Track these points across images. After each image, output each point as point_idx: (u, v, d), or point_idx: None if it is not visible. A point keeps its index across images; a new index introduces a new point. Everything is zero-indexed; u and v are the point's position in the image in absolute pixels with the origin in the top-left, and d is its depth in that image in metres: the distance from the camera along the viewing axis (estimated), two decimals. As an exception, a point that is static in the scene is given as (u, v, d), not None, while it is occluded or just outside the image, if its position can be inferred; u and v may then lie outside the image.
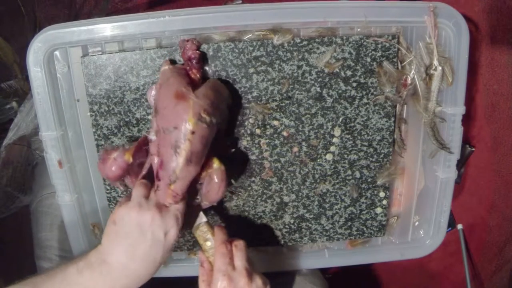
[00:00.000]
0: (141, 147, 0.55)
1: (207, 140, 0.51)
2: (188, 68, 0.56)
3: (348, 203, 0.68)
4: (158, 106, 0.52)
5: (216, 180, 0.54)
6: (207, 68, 0.59)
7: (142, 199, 0.50)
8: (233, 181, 0.65)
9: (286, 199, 0.67)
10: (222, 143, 0.60)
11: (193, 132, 0.49)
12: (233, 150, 0.63)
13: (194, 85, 0.54)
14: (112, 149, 0.55)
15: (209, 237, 0.54)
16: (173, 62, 0.58)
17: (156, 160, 0.52)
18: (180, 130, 0.49)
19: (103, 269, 0.47)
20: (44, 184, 0.75)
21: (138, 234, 0.47)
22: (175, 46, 0.58)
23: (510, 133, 0.80)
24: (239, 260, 0.51)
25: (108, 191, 0.65)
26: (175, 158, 0.50)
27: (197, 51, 0.56)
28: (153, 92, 0.56)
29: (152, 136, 0.53)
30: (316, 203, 0.67)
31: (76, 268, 0.47)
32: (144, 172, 0.56)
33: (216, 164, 0.54)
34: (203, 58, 0.58)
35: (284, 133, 0.63)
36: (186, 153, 0.49)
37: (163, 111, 0.50)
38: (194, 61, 0.56)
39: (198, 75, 0.56)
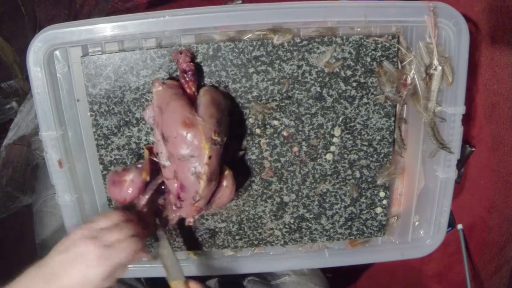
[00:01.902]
0: (151, 166, 0.56)
1: (220, 156, 0.53)
2: (183, 81, 0.56)
3: (348, 203, 0.68)
4: (166, 134, 0.52)
5: (227, 185, 0.56)
6: (203, 73, 0.60)
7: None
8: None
9: (286, 199, 0.67)
10: (229, 148, 0.61)
11: (210, 157, 0.51)
12: (242, 152, 0.64)
13: (191, 100, 0.54)
14: (123, 171, 0.55)
15: None
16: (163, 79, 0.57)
17: (175, 184, 0.53)
18: (197, 157, 0.51)
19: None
20: (49, 185, 0.75)
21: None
22: (175, 46, 0.58)
23: (510, 133, 0.80)
24: None
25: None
26: (197, 182, 0.51)
27: (191, 63, 0.56)
28: (151, 113, 0.56)
29: (165, 162, 0.54)
30: (316, 203, 0.67)
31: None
32: (150, 192, 0.57)
33: (226, 171, 0.56)
34: (198, 69, 0.58)
35: (284, 133, 0.63)
36: (207, 176, 0.51)
37: (173, 140, 0.51)
38: (189, 73, 0.56)
39: (193, 88, 0.56)
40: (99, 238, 0.49)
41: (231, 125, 0.61)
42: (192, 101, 0.54)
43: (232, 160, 0.62)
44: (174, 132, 0.51)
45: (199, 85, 0.59)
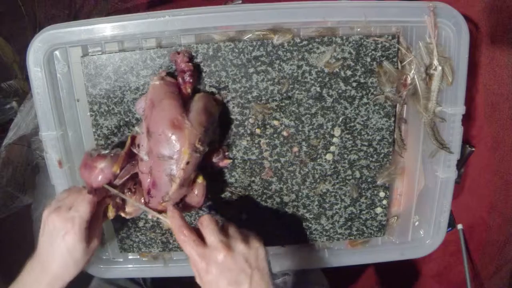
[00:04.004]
0: (127, 160, 0.55)
1: (197, 165, 0.54)
2: (181, 81, 0.56)
3: (348, 203, 0.68)
4: (151, 129, 0.52)
5: (197, 194, 0.56)
6: (202, 74, 0.59)
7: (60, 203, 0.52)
8: (233, 180, 0.65)
9: (286, 199, 0.67)
10: (218, 154, 0.62)
11: (187, 163, 0.51)
12: (230, 160, 0.64)
13: (184, 101, 0.54)
14: (97, 157, 0.55)
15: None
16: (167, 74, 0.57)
17: (148, 179, 0.54)
18: (175, 160, 0.51)
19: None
20: (47, 193, 0.76)
21: (51, 236, 0.51)
22: (175, 46, 0.58)
23: (510, 133, 0.79)
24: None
25: (108, 191, 0.65)
26: (169, 183, 0.52)
27: (190, 64, 0.56)
28: (142, 104, 0.56)
29: (144, 156, 0.54)
30: (316, 203, 0.67)
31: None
32: (121, 180, 0.56)
33: (199, 179, 0.56)
34: (197, 71, 0.58)
35: (284, 133, 0.63)
36: (180, 180, 0.52)
37: (157, 137, 0.51)
38: (187, 74, 0.56)
39: (189, 90, 0.56)
40: (61, 207, 0.51)
41: (225, 130, 0.62)
42: (185, 102, 0.54)
43: (213, 167, 0.63)
44: (160, 129, 0.51)
45: (196, 88, 0.59)
